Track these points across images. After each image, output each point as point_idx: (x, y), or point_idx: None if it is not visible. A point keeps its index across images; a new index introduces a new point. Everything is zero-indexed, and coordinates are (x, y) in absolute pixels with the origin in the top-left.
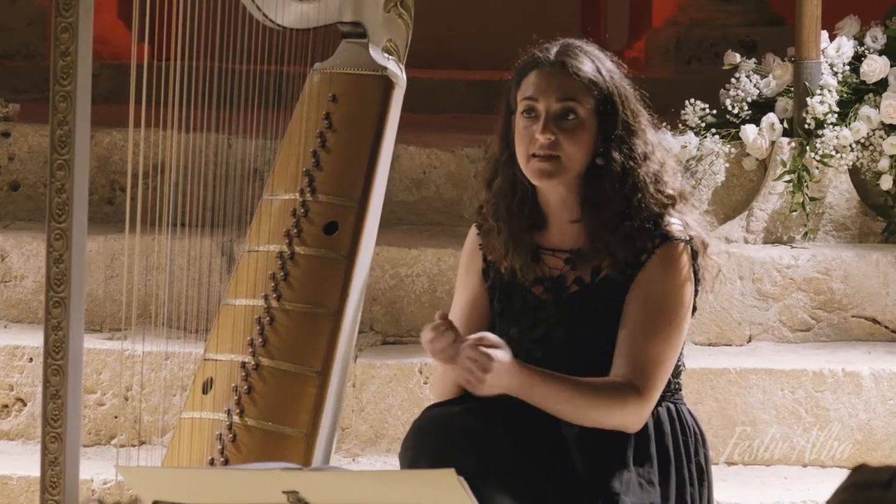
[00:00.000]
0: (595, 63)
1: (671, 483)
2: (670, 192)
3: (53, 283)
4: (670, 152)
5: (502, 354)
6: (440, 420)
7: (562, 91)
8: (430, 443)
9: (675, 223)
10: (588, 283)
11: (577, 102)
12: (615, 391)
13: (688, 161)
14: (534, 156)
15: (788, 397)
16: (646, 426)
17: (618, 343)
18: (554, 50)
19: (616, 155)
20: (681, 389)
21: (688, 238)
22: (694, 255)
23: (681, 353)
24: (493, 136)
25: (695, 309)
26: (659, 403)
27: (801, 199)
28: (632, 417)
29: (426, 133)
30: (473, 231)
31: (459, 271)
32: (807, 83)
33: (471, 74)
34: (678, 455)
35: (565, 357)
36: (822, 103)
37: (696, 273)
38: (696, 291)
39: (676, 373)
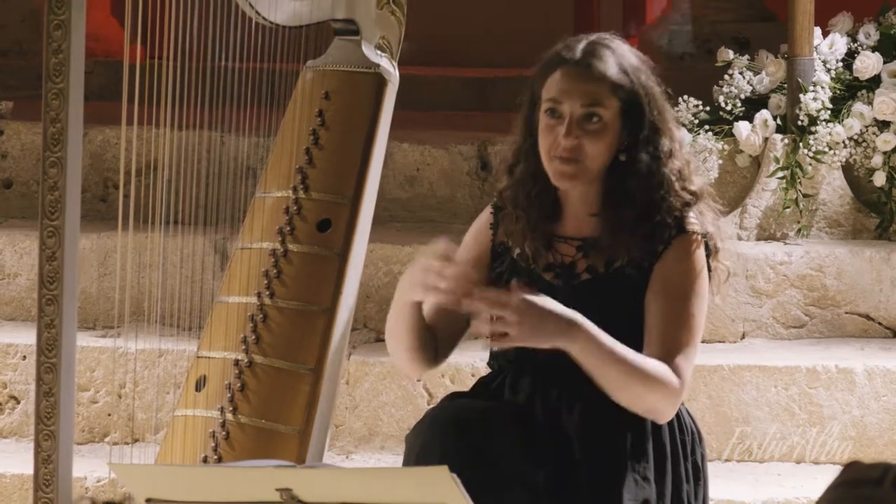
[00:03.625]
0: (621, 63)
1: (667, 480)
2: (693, 189)
3: (46, 281)
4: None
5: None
6: (460, 413)
7: (587, 96)
8: (444, 437)
9: (692, 219)
10: (601, 272)
11: (601, 106)
12: (663, 370)
13: None
14: (556, 157)
15: (782, 394)
16: (643, 423)
17: (647, 334)
18: (580, 48)
19: (642, 155)
20: None
21: (704, 233)
22: (707, 253)
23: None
24: (517, 122)
25: None
26: None
27: (795, 196)
28: (668, 401)
29: (419, 130)
30: (489, 209)
31: (465, 239)
32: (800, 80)
33: (464, 72)
34: (675, 453)
35: None
36: (816, 100)
37: (708, 270)
38: (710, 292)
39: None
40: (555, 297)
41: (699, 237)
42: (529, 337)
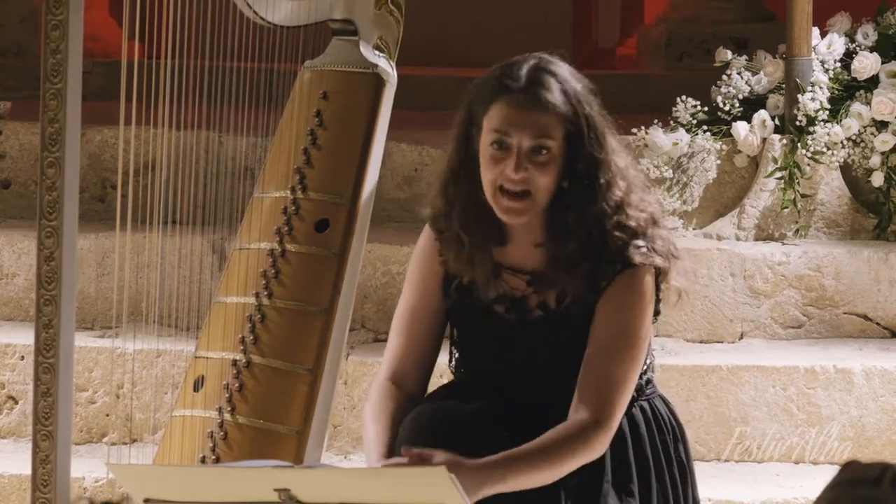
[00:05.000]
0: (565, 90)
1: (653, 489)
2: (636, 217)
3: (44, 281)
4: (640, 172)
5: (442, 455)
6: (445, 415)
7: (535, 128)
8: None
9: (640, 249)
10: (553, 308)
11: (549, 138)
12: (575, 440)
13: (679, 158)
14: (502, 189)
15: (780, 394)
16: (622, 432)
17: (582, 366)
18: (523, 75)
19: (583, 184)
20: (651, 383)
21: (650, 263)
22: (658, 275)
23: (648, 346)
24: (449, 142)
25: (657, 314)
26: (631, 405)
27: (793, 196)
28: (597, 449)
29: (417, 130)
30: (429, 234)
31: (410, 272)
32: (798, 80)
33: (462, 71)
34: (657, 457)
35: (527, 378)
36: (814, 100)
37: (658, 293)
38: (658, 311)
39: (644, 369)
40: (508, 332)
41: (645, 268)
42: None
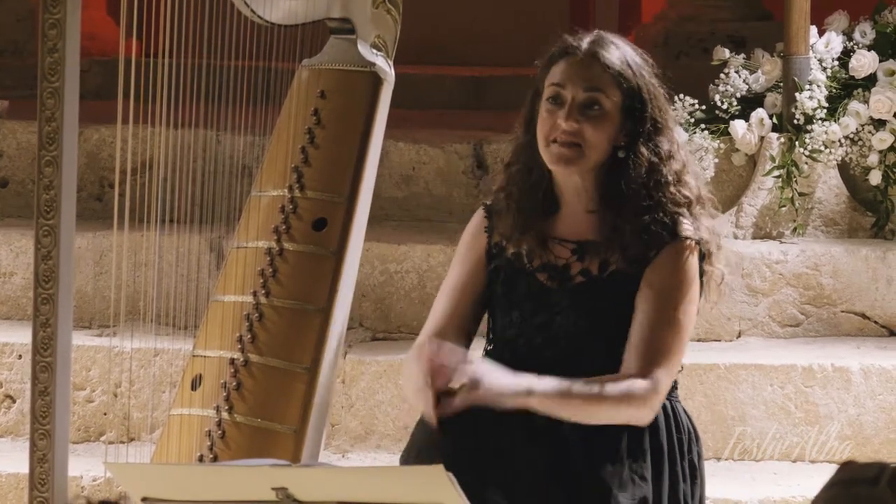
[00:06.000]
0: (625, 58)
1: (664, 479)
2: (688, 193)
3: (42, 280)
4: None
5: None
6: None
7: (589, 81)
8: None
9: (686, 224)
10: (595, 275)
11: (603, 94)
12: (626, 387)
13: None
14: (554, 141)
15: (778, 393)
16: None
17: (630, 337)
18: (586, 40)
19: (643, 150)
20: (677, 388)
21: (698, 239)
22: (701, 258)
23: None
24: (518, 121)
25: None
26: None
27: (791, 195)
28: (641, 412)
29: (415, 129)
30: (480, 212)
31: (459, 247)
32: (796, 78)
33: (460, 70)
34: (672, 452)
35: (566, 346)
36: (811, 99)
37: (701, 276)
38: (701, 293)
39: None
40: (549, 299)
41: (692, 243)
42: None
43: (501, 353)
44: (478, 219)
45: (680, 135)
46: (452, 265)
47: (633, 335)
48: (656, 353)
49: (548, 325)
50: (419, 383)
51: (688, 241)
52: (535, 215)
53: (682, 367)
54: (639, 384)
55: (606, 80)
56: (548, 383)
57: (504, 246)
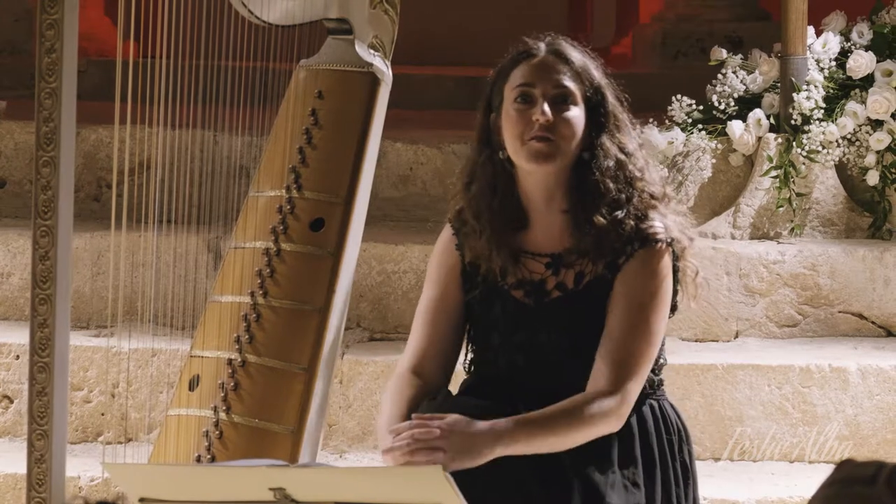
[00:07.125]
0: (584, 56)
1: (657, 484)
2: (654, 189)
3: (39, 281)
4: (653, 154)
5: (453, 416)
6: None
7: (558, 76)
8: None
9: (656, 225)
10: (571, 289)
11: (570, 89)
12: (595, 409)
13: (674, 157)
14: (531, 139)
15: (775, 393)
16: (629, 426)
17: (601, 342)
18: (544, 41)
19: (609, 145)
20: (663, 384)
21: (669, 240)
22: (675, 257)
23: (662, 348)
24: (472, 139)
25: (674, 308)
26: (642, 402)
27: (788, 195)
28: (611, 424)
29: (413, 129)
30: (448, 230)
31: (430, 268)
32: (793, 79)
33: (458, 70)
34: (662, 454)
35: (548, 363)
36: (809, 99)
37: (675, 273)
38: (676, 291)
39: (658, 368)
40: (526, 317)
41: (663, 245)
42: (461, 460)
43: (482, 374)
44: (446, 236)
45: (643, 138)
46: (425, 288)
47: (605, 343)
48: (626, 366)
49: (528, 343)
50: (394, 457)
51: (658, 245)
52: (505, 232)
53: (665, 361)
54: (607, 402)
55: (572, 75)
56: (515, 431)
57: (478, 265)
